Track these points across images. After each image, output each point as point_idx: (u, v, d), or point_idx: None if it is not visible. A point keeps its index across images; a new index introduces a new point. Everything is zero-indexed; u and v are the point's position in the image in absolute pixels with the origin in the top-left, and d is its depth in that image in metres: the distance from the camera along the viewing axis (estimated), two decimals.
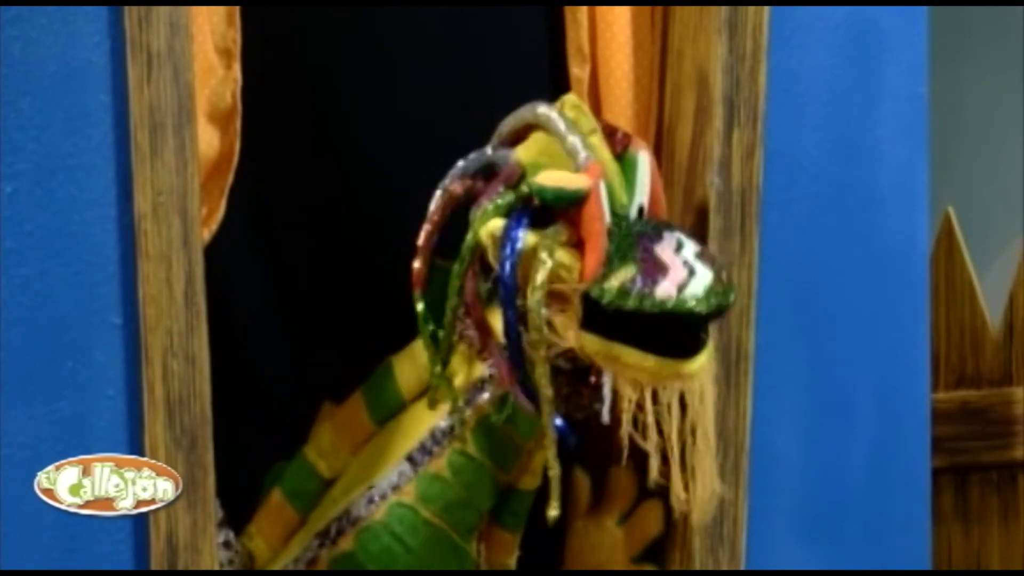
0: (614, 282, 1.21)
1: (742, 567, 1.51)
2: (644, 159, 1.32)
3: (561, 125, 1.29)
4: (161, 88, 1.25)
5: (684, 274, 1.21)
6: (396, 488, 1.39)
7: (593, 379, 1.32)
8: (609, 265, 1.22)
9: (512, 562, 1.47)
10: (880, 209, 1.58)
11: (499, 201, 1.26)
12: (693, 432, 1.26)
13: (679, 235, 1.27)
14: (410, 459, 1.40)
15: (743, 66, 1.44)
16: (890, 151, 1.58)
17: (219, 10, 1.35)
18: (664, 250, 1.24)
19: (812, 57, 1.51)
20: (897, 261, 1.60)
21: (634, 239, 1.25)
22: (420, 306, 1.32)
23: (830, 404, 1.57)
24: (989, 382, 2.04)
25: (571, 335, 1.24)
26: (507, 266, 1.22)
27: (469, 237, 1.27)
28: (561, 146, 1.28)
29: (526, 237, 1.23)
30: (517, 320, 1.23)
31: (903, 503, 1.63)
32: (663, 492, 1.48)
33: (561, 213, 1.25)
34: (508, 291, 1.23)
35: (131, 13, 1.24)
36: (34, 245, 1.25)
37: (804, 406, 1.56)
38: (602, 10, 1.50)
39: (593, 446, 1.51)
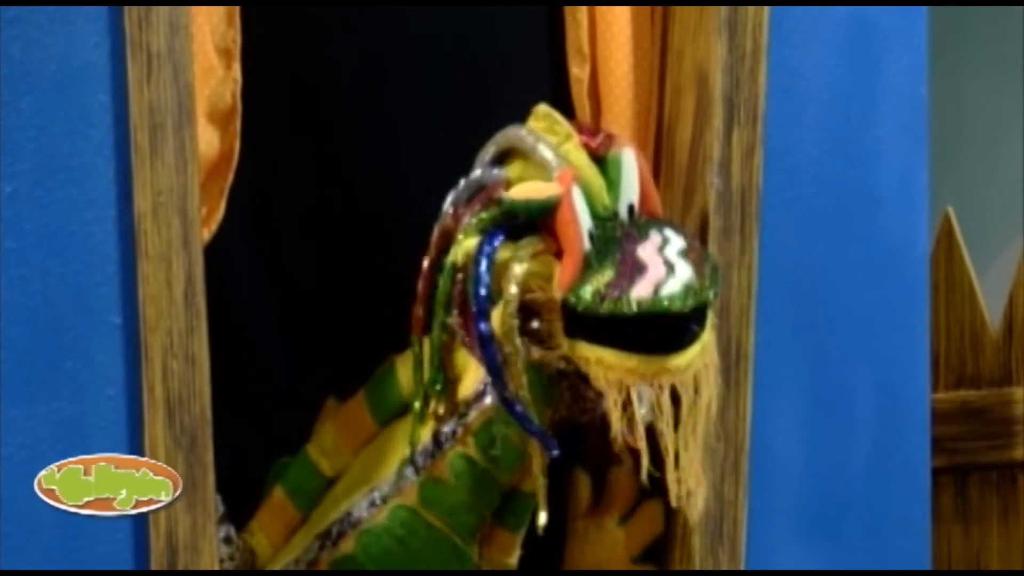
0: (588, 288, 1.22)
1: (742, 567, 1.51)
2: (628, 157, 1.32)
3: (529, 140, 1.31)
4: (161, 88, 1.25)
5: (662, 272, 1.22)
6: (398, 491, 1.39)
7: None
8: (588, 270, 1.23)
9: (513, 562, 1.47)
10: (880, 209, 1.58)
11: (475, 220, 1.27)
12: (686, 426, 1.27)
13: (668, 232, 1.28)
14: (412, 461, 1.39)
15: (743, 66, 1.44)
16: (890, 151, 1.58)
17: (219, 10, 1.35)
18: (645, 249, 1.25)
19: (812, 57, 1.51)
20: (897, 261, 1.60)
21: (615, 241, 1.26)
22: (417, 349, 1.33)
23: (830, 404, 1.57)
24: (989, 382, 2.03)
25: (563, 342, 1.24)
26: (479, 286, 1.24)
27: (450, 256, 1.28)
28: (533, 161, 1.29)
29: (501, 251, 1.24)
30: (491, 335, 1.24)
31: (903, 503, 1.63)
32: (662, 492, 1.48)
33: (540, 225, 1.26)
34: (481, 307, 1.24)
35: (131, 13, 1.24)
36: (34, 245, 1.25)
37: (804, 406, 1.56)
38: (602, 10, 1.50)
39: (594, 447, 1.51)
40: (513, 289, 1.23)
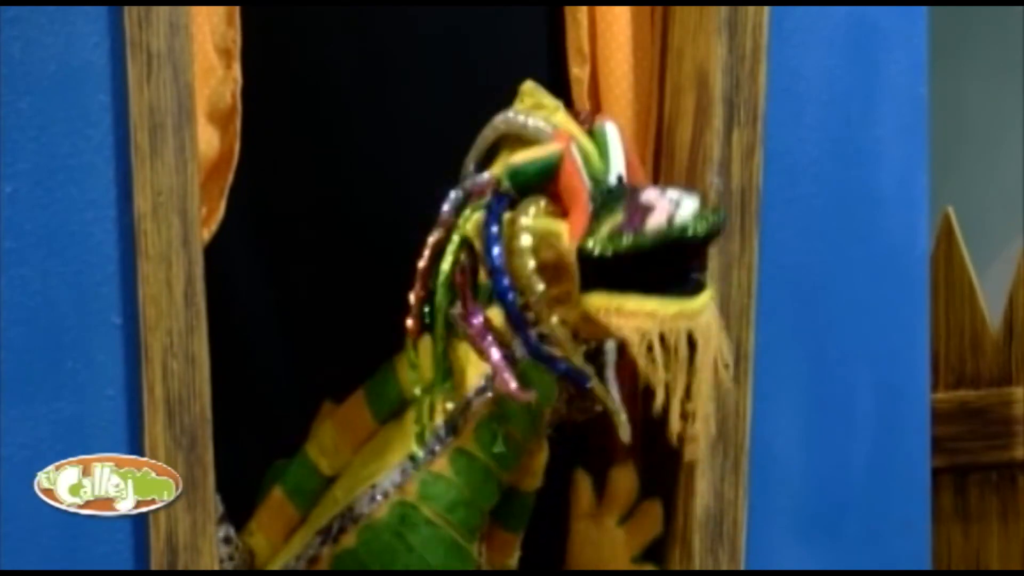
0: (603, 231, 1.22)
1: (742, 567, 1.51)
2: (612, 129, 1.33)
3: (520, 118, 1.31)
4: (161, 88, 1.25)
5: (671, 207, 1.23)
6: (398, 487, 1.39)
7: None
8: (595, 220, 1.23)
9: (513, 562, 1.47)
10: (880, 209, 1.58)
11: (477, 203, 1.27)
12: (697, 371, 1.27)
13: (662, 186, 1.29)
14: (412, 458, 1.40)
15: (743, 66, 1.45)
16: (890, 151, 1.58)
17: (219, 10, 1.35)
18: (649, 195, 1.25)
19: (812, 57, 1.52)
20: (897, 261, 1.60)
21: (618, 194, 1.26)
22: (412, 355, 1.32)
23: (830, 404, 1.57)
24: (989, 382, 2.04)
25: (572, 314, 1.24)
26: (492, 244, 1.23)
27: (454, 238, 1.27)
28: (527, 138, 1.29)
29: (505, 214, 1.24)
30: (510, 288, 1.24)
31: (903, 503, 1.63)
32: (663, 492, 1.49)
33: (541, 190, 1.26)
34: (495, 264, 1.23)
35: (131, 13, 1.24)
36: (34, 245, 1.25)
37: (804, 406, 1.56)
38: (602, 10, 1.50)
39: (594, 447, 1.51)
40: (524, 238, 1.23)
